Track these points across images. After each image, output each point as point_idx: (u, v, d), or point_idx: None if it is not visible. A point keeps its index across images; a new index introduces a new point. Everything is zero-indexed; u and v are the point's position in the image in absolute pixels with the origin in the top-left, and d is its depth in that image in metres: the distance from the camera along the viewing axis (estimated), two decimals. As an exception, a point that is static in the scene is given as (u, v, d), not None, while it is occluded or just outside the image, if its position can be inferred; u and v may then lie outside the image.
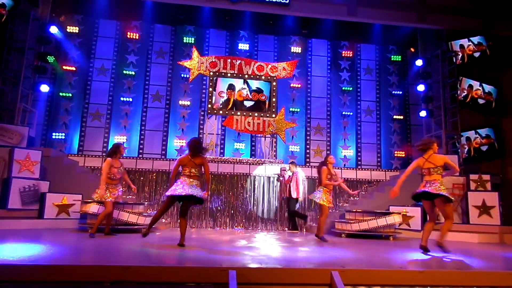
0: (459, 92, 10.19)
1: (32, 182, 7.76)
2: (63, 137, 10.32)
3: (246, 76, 10.14)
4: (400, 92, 11.83)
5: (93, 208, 7.05)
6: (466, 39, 10.35)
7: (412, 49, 11.88)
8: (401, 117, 11.71)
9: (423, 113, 10.79)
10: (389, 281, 3.48)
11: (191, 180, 5.15)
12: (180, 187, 5.07)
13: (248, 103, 10.07)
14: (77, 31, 10.73)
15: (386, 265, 4.26)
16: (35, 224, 7.24)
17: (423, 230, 5.36)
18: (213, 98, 9.97)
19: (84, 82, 10.74)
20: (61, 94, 10.44)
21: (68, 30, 10.61)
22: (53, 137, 10.24)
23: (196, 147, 5.20)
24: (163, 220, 9.00)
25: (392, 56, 11.96)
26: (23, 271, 3.25)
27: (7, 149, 7.82)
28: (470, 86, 10.20)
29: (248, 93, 10.10)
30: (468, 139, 10.11)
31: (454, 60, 10.38)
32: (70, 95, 10.50)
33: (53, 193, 7.71)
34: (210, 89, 10.01)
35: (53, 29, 9.67)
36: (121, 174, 6.26)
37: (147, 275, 3.28)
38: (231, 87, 10.09)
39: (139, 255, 4.48)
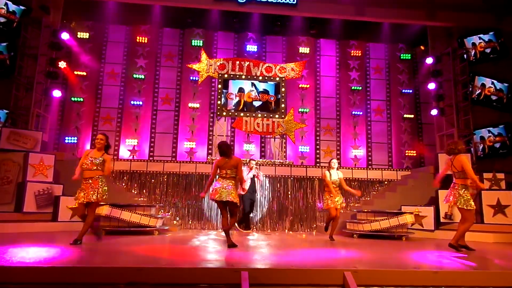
0: (471, 89, 10.07)
1: (46, 185, 7.90)
2: (75, 141, 10.48)
3: (255, 77, 10.17)
4: (411, 91, 11.73)
5: (105, 210, 7.15)
6: (477, 36, 10.23)
7: (422, 47, 11.75)
8: (412, 116, 11.60)
9: (434, 112, 10.67)
10: (403, 282, 3.44)
11: (227, 181, 5.33)
12: (218, 193, 5.28)
13: (257, 104, 10.11)
14: (87, 37, 10.90)
15: (399, 265, 4.22)
16: (50, 227, 7.37)
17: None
18: (222, 99, 10.02)
19: (95, 87, 10.89)
20: (72, 99, 10.60)
21: (78, 35, 10.78)
22: (66, 141, 10.41)
23: (227, 149, 5.44)
24: (174, 222, 9.07)
25: (401, 55, 11.86)
26: (40, 273, 3.31)
27: (22, 153, 7.98)
28: (483, 85, 10.09)
29: (257, 94, 10.13)
30: (482, 138, 9.99)
31: (466, 57, 10.26)
32: (82, 99, 10.65)
33: (67, 196, 7.84)
34: (219, 91, 10.06)
35: (64, 35, 9.84)
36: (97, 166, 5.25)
37: (161, 277, 3.32)
38: (241, 90, 10.15)
39: (152, 257, 4.52)
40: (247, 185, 8.48)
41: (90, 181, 5.21)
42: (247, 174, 8.55)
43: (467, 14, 10.38)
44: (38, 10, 9.29)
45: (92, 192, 5.16)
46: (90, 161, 5.24)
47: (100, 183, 5.24)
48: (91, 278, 3.26)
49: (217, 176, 5.52)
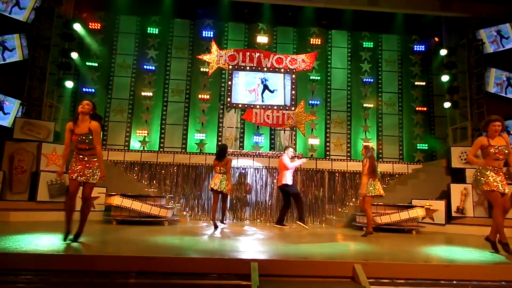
0: (485, 80, 9.86)
1: (59, 175, 8.02)
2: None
3: (265, 69, 10.11)
4: (423, 83, 11.52)
5: (117, 200, 7.24)
6: (493, 27, 9.97)
7: (436, 39, 11.50)
8: (425, 108, 11.42)
9: (447, 104, 10.48)
10: (413, 275, 3.42)
11: (222, 176, 7.11)
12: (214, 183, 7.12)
13: (267, 96, 10.07)
14: (99, 28, 10.93)
15: (409, 258, 4.19)
16: (62, 215, 7.42)
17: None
18: (232, 91, 9.99)
19: (107, 78, 10.96)
20: (84, 89, 10.69)
21: (90, 26, 10.82)
22: (78, 131, 10.52)
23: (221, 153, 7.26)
24: (184, 213, 9.16)
25: (415, 46, 11.64)
26: (52, 261, 3.38)
27: (35, 143, 8.11)
28: (498, 78, 9.88)
29: (268, 90, 10.12)
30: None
31: (481, 49, 10.01)
32: (93, 90, 10.74)
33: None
34: (229, 82, 10.03)
35: (77, 26, 9.90)
36: (89, 145, 4.47)
37: (171, 266, 3.35)
38: (251, 83, 10.12)
39: (163, 246, 4.57)
40: (290, 176, 7.63)
41: (85, 158, 4.48)
42: (290, 162, 7.70)
43: (483, 5, 10.11)
44: (51, 0, 9.35)
45: (91, 171, 4.45)
46: (80, 139, 4.44)
47: (96, 163, 4.51)
48: (103, 266, 3.31)
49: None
